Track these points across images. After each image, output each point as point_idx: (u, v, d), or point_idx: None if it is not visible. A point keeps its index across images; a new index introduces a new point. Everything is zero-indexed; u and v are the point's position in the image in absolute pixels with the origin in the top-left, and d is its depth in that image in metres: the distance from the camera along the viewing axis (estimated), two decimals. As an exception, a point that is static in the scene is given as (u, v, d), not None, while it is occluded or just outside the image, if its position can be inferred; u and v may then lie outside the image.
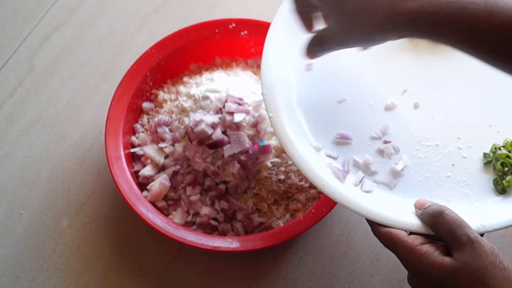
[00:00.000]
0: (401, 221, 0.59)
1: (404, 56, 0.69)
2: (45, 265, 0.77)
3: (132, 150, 0.80)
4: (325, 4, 0.56)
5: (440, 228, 0.55)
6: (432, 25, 0.50)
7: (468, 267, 0.52)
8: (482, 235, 0.57)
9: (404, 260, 0.56)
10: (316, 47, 0.60)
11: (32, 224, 0.80)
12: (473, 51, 0.50)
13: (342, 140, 0.64)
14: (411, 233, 0.58)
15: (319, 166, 0.62)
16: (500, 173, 0.62)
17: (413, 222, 0.59)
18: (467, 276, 0.52)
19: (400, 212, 0.60)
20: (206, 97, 0.77)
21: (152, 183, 0.77)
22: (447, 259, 0.53)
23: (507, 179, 0.61)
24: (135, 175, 0.78)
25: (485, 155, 0.64)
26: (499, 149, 0.63)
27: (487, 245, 0.53)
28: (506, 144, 0.63)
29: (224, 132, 0.75)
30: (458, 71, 0.68)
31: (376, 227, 0.58)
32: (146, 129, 0.82)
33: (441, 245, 0.56)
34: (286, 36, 0.68)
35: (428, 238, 0.57)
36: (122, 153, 0.76)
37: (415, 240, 0.55)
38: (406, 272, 0.76)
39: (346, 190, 0.61)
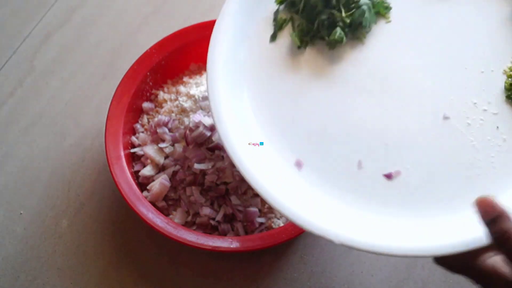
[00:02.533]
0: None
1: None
2: (45, 265, 0.77)
3: (132, 150, 0.80)
4: None
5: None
6: None
7: None
8: None
9: None
10: None
11: (32, 224, 0.80)
12: None
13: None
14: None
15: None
16: None
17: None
18: None
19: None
20: (206, 98, 0.77)
21: (152, 183, 0.77)
22: None
23: None
24: (135, 175, 0.78)
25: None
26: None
27: None
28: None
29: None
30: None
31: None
32: (146, 130, 0.82)
33: None
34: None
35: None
36: (122, 153, 0.76)
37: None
38: (406, 272, 0.76)
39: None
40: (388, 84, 0.63)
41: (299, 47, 0.64)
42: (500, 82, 0.62)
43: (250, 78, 0.63)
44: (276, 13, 0.66)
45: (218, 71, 0.62)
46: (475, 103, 0.61)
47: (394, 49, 0.64)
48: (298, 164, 0.60)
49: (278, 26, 0.65)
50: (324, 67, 0.64)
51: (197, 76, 0.84)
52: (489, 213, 0.46)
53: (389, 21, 0.66)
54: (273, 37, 0.65)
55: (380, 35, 0.65)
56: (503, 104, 0.61)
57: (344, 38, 0.63)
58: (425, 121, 0.61)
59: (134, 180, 0.75)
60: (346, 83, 0.63)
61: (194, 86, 0.81)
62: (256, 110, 0.62)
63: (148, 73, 0.82)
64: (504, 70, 0.62)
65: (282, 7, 0.66)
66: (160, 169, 0.78)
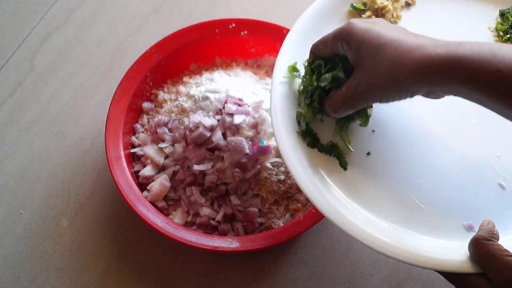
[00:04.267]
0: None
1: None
2: (45, 265, 0.77)
3: (132, 150, 0.80)
4: (359, 50, 0.56)
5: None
6: (466, 70, 0.50)
7: None
8: None
9: None
10: (340, 108, 0.60)
11: (32, 224, 0.80)
12: (498, 98, 0.50)
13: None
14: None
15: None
16: None
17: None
18: None
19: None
20: (206, 98, 0.77)
21: (152, 183, 0.77)
22: None
23: None
24: (135, 175, 0.78)
25: None
26: None
27: None
28: None
29: (223, 134, 0.75)
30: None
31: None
32: (146, 130, 0.82)
33: None
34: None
35: None
36: (122, 153, 0.76)
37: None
38: (406, 272, 0.76)
39: None
40: None
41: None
42: None
43: None
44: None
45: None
46: None
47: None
48: None
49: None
50: None
51: (197, 76, 0.84)
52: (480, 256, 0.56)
53: None
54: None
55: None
56: None
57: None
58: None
59: (134, 180, 0.75)
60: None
61: (194, 86, 0.81)
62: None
63: (148, 73, 0.82)
64: None
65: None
66: (160, 169, 0.78)
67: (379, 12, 0.72)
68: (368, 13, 0.72)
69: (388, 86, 0.55)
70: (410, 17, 0.72)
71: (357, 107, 0.59)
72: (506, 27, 0.71)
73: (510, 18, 0.71)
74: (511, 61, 0.49)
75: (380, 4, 0.72)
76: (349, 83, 0.58)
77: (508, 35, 0.70)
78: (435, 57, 0.51)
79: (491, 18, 0.72)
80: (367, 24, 0.57)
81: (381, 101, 0.56)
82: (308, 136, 0.63)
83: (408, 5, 0.73)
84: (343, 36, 0.57)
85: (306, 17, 0.69)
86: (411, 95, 0.55)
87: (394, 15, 0.72)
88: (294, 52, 0.66)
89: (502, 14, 0.72)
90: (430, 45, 0.52)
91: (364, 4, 0.73)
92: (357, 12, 0.72)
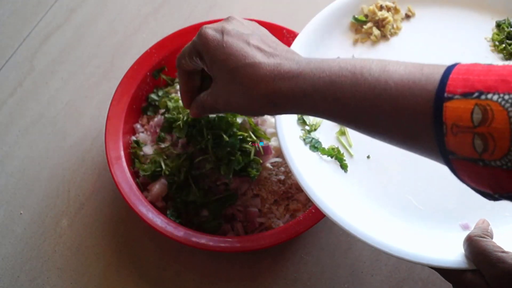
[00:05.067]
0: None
1: None
2: (45, 265, 0.77)
3: (132, 150, 0.80)
4: (214, 68, 0.56)
5: None
6: (308, 101, 0.50)
7: None
8: None
9: None
10: (198, 110, 0.61)
11: (32, 224, 0.80)
12: (347, 122, 0.51)
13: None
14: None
15: None
16: None
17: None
18: None
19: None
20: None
21: (152, 183, 0.77)
22: None
23: None
24: (135, 175, 0.78)
25: None
26: None
27: None
28: None
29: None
30: None
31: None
32: (146, 130, 0.82)
33: None
34: None
35: None
36: (122, 153, 0.76)
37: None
38: (406, 271, 0.76)
39: None
40: None
41: None
42: None
43: None
44: None
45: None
46: None
47: None
48: None
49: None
50: None
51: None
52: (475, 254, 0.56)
53: None
54: None
55: None
56: None
57: None
58: None
59: (134, 180, 0.75)
60: None
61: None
62: None
63: (148, 73, 0.82)
64: None
65: None
66: (160, 169, 0.78)
67: (380, 24, 0.75)
68: (369, 24, 0.75)
69: (245, 112, 0.57)
70: (409, 28, 0.75)
71: (218, 113, 0.62)
72: (501, 37, 0.73)
73: (506, 28, 0.74)
74: (346, 88, 0.48)
75: (381, 16, 0.74)
76: (211, 93, 0.58)
77: (504, 45, 0.73)
78: (279, 91, 0.51)
79: (488, 28, 0.74)
80: (217, 37, 0.55)
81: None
82: (310, 142, 0.66)
83: (408, 16, 0.76)
84: (197, 52, 0.57)
85: (309, 29, 0.71)
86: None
87: (395, 26, 0.75)
88: None
89: (498, 25, 0.74)
90: (274, 75, 0.51)
91: (366, 16, 0.75)
92: (359, 23, 0.75)
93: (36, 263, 0.77)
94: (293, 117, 0.67)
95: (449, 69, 0.45)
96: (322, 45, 0.71)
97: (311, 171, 0.63)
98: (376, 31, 0.74)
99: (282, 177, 0.76)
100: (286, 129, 0.65)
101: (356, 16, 0.74)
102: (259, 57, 0.53)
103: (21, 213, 0.80)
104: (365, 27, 0.74)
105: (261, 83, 0.52)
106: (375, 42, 0.74)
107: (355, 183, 0.65)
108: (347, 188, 0.64)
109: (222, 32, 0.55)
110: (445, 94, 0.43)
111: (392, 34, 0.75)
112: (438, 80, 0.44)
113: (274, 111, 0.54)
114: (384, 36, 0.75)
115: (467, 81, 0.43)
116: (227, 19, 0.58)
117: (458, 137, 0.43)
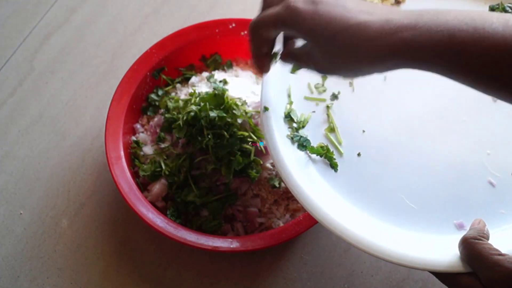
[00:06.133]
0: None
1: None
2: (45, 265, 0.77)
3: (132, 150, 0.80)
4: (311, 37, 0.53)
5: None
6: (424, 54, 0.49)
7: None
8: None
9: None
10: (294, 62, 0.58)
11: (32, 224, 0.80)
12: (465, 78, 0.50)
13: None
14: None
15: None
16: None
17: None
18: None
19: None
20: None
21: (152, 183, 0.77)
22: None
23: None
24: (135, 175, 0.78)
25: None
26: None
27: None
28: None
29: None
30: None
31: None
32: (146, 130, 0.82)
33: None
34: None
35: None
36: (122, 153, 0.76)
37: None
38: (406, 271, 0.76)
39: None
40: None
41: None
42: None
43: None
44: None
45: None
46: None
47: None
48: None
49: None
50: None
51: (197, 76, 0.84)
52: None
53: None
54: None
55: None
56: None
57: None
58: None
59: (134, 180, 0.75)
60: None
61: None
62: None
63: (148, 73, 0.82)
64: None
65: None
66: (160, 169, 0.78)
67: None
68: None
69: (350, 75, 0.55)
70: None
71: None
72: None
73: None
74: (467, 42, 0.48)
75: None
76: (307, 53, 0.56)
77: None
78: (392, 45, 0.49)
79: None
80: (311, 7, 0.52)
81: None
82: (298, 140, 0.63)
83: (398, 3, 0.73)
84: (288, 24, 0.54)
85: None
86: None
87: None
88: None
89: (492, 10, 0.71)
90: (385, 31, 0.50)
91: None
92: None
93: (36, 263, 0.77)
94: (280, 115, 0.65)
95: None
96: None
97: (300, 172, 0.61)
98: None
99: (282, 177, 0.76)
100: (273, 128, 0.63)
101: None
102: (364, 17, 0.51)
103: (21, 213, 0.80)
104: None
105: (372, 41, 0.50)
106: None
107: (345, 182, 0.63)
108: (337, 189, 0.62)
109: (313, 1, 0.53)
110: None
111: None
112: None
113: (385, 68, 0.52)
114: None
115: None
116: None
117: None
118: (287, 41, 0.60)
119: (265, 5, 0.57)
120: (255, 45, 0.58)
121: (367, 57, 0.51)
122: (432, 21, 0.49)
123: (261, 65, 0.60)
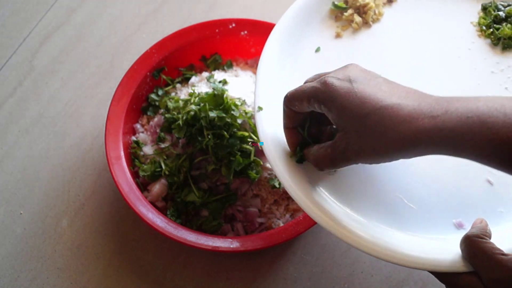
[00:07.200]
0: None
1: None
2: (45, 265, 0.77)
3: (132, 150, 0.80)
4: (343, 116, 0.53)
5: None
6: (455, 141, 0.49)
7: None
8: None
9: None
10: (326, 167, 0.58)
11: (32, 224, 0.80)
12: (499, 164, 0.50)
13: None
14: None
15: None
16: None
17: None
18: None
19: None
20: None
21: (152, 183, 0.77)
22: None
23: None
24: (135, 175, 0.78)
25: None
26: None
27: None
28: None
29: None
30: None
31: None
32: (146, 130, 0.82)
33: None
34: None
35: None
36: (122, 153, 0.76)
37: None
38: (406, 272, 0.76)
39: None
40: None
41: None
42: None
43: None
44: None
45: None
46: None
47: None
48: None
49: None
50: None
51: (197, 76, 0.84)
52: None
53: None
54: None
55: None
56: None
57: None
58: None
59: (134, 180, 0.75)
60: None
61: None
62: None
63: (148, 73, 0.82)
64: None
65: None
66: (160, 169, 0.78)
67: (361, 10, 0.71)
68: (350, 11, 0.71)
69: (377, 159, 0.53)
70: (392, 13, 0.71)
71: (343, 167, 0.58)
72: (488, 21, 0.69)
73: (493, 12, 0.69)
74: (498, 129, 0.47)
75: (362, 2, 0.71)
76: (335, 146, 0.55)
77: (491, 29, 0.69)
78: (423, 130, 0.49)
79: (474, 12, 0.71)
80: (346, 85, 0.53)
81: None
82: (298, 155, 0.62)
83: (390, 1, 0.72)
84: (321, 100, 0.54)
85: (287, 18, 0.68)
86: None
87: (376, 12, 0.71)
88: (274, 61, 0.65)
89: (485, 8, 0.70)
90: (417, 115, 0.50)
91: (346, 2, 0.71)
92: (338, 10, 0.71)
93: (36, 263, 0.77)
94: (275, 114, 0.63)
95: None
96: (301, 36, 0.68)
97: (296, 173, 0.60)
98: (357, 18, 0.70)
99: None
100: (266, 128, 0.62)
101: (336, 3, 0.71)
102: (396, 99, 0.51)
103: (21, 213, 0.80)
104: (345, 14, 0.70)
105: (401, 124, 0.50)
106: (356, 30, 0.70)
107: (343, 182, 0.62)
108: (335, 188, 0.61)
109: (350, 80, 0.53)
110: None
111: (374, 21, 0.71)
112: None
113: (413, 153, 0.51)
114: (366, 23, 0.71)
115: None
116: (346, 67, 0.56)
117: None
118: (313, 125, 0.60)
119: (305, 82, 0.58)
120: (287, 117, 0.59)
121: (396, 140, 0.50)
122: (462, 107, 0.49)
123: (289, 139, 0.60)
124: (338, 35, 0.70)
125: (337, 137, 0.55)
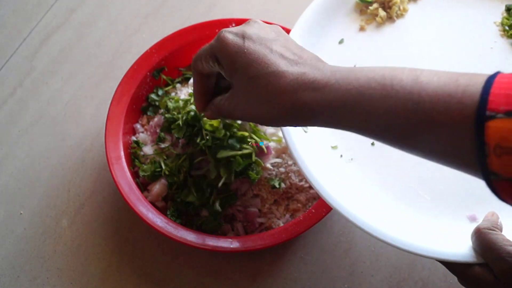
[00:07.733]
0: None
1: None
2: (45, 265, 0.77)
3: (132, 150, 0.80)
4: (233, 80, 0.53)
5: None
6: (335, 114, 0.48)
7: None
8: None
9: None
10: (214, 115, 0.59)
11: (32, 224, 0.80)
12: (374, 135, 0.49)
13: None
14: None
15: None
16: None
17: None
18: None
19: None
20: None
21: (152, 183, 0.77)
22: None
23: None
24: (135, 175, 0.78)
25: None
26: None
27: None
28: None
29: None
30: None
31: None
32: (146, 130, 0.82)
33: None
34: None
35: None
36: (122, 153, 0.76)
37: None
38: (406, 271, 0.76)
39: None
40: None
41: None
42: None
43: None
44: None
45: None
46: None
47: None
48: None
49: None
50: None
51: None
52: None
53: None
54: None
55: None
56: None
57: None
58: None
59: (134, 180, 0.75)
60: None
61: (194, 86, 0.81)
62: None
63: (148, 73, 0.82)
64: None
65: None
66: (160, 169, 0.78)
67: (386, 5, 0.72)
68: (375, 5, 0.72)
69: (265, 124, 0.53)
70: (416, 10, 0.72)
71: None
72: (511, 22, 0.70)
73: None
74: (375, 101, 0.46)
75: None
76: (228, 101, 0.55)
77: None
78: (303, 103, 0.49)
79: (497, 12, 0.71)
80: (239, 42, 0.52)
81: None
82: None
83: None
84: (214, 56, 0.54)
85: (312, 10, 0.69)
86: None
87: (401, 8, 0.72)
88: None
89: (508, 9, 0.71)
90: (298, 85, 0.49)
91: None
92: (364, 4, 0.72)
93: (36, 263, 0.77)
94: None
95: (489, 82, 0.41)
96: (326, 27, 0.69)
97: (314, 162, 0.61)
98: (382, 13, 0.71)
99: (282, 177, 0.76)
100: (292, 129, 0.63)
101: None
102: (283, 65, 0.50)
103: (21, 213, 0.80)
104: (370, 8, 0.72)
105: (284, 93, 0.49)
106: (380, 24, 0.71)
107: (359, 172, 0.63)
108: (351, 178, 0.62)
109: (243, 36, 0.52)
110: (487, 113, 0.40)
111: (398, 16, 0.72)
112: (478, 95, 0.41)
113: (296, 123, 0.52)
114: (390, 18, 0.72)
115: (510, 98, 0.40)
116: (247, 23, 0.55)
117: (502, 159, 0.40)
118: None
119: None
120: (194, 81, 0.59)
121: (280, 109, 0.50)
122: (343, 79, 0.48)
123: (198, 103, 0.60)
124: (362, 28, 0.71)
125: (230, 93, 0.55)
